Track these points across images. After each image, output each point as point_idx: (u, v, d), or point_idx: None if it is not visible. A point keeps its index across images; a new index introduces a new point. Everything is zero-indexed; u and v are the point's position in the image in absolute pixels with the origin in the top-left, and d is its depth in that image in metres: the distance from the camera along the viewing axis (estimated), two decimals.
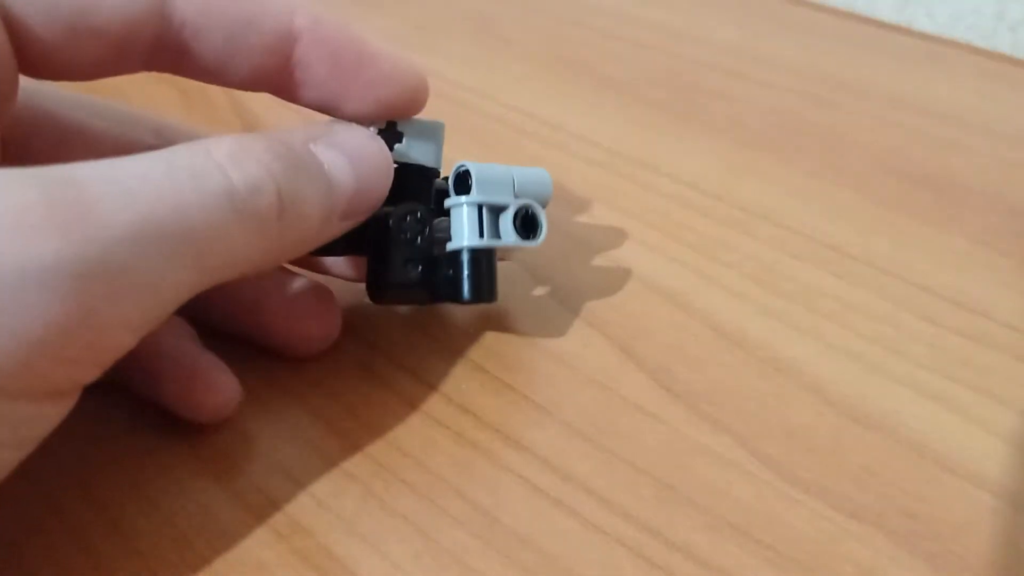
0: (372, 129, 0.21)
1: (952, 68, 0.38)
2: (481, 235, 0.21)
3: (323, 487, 0.20)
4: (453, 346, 0.23)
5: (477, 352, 0.23)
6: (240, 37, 0.20)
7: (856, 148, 0.32)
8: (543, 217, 0.22)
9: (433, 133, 0.22)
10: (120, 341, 0.16)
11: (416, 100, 0.21)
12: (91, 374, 0.16)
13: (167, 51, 0.20)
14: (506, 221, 0.22)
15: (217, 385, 0.20)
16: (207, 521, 0.19)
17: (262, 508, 0.19)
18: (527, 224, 0.22)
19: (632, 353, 0.23)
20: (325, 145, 0.19)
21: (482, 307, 0.24)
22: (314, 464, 0.20)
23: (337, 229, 0.20)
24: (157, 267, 0.16)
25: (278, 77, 0.21)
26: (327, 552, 0.18)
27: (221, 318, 0.22)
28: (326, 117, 0.21)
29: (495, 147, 0.32)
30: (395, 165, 0.21)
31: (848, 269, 0.26)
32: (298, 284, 0.22)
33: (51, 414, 0.16)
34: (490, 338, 0.23)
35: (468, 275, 0.21)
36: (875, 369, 0.22)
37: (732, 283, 0.25)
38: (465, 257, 0.21)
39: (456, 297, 0.22)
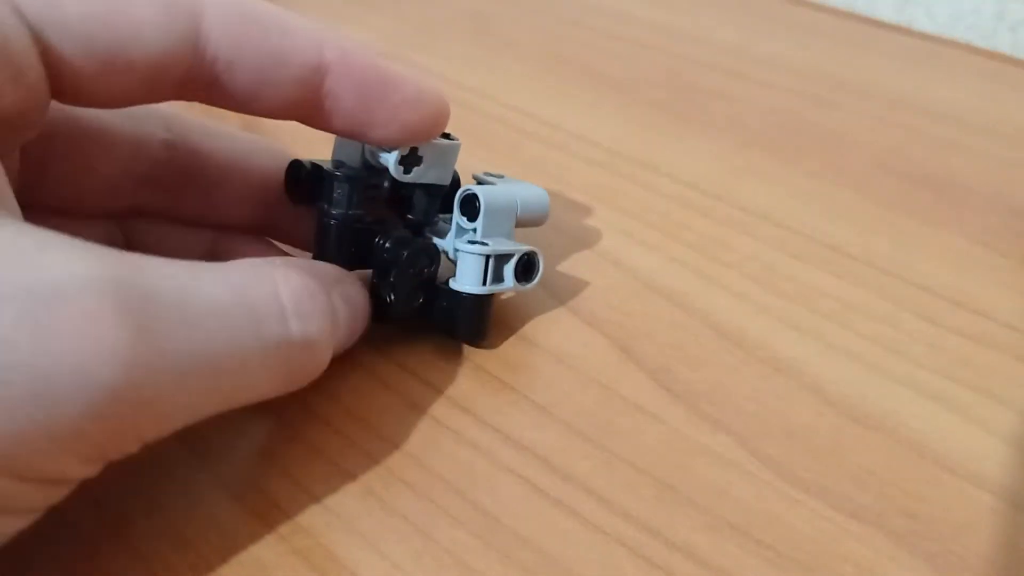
0: (395, 154, 0.22)
1: (952, 68, 0.38)
2: (484, 283, 0.22)
3: (323, 487, 0.20)
4: (453, 346, 0.23)
5: (477, 352, 0.23)
6: (271, 71, 0.20)
7: (856, 148, 0.32)
8: (541, 263, 0.23)
9: (450, 155, 0.23)
10: (130, 450, 0.16)
11: (438, 124, 0.22)
12: (96, 470, 0.16)
13: (197, 83, 0.20)
14: (509, 268, 0.22)
15: None
16: (207, 521, 0.19)
17: (262, 508, 0.19)
18: (527, 269, 0.23)
19: (632, 353, 0.23)
20: (339, 295, 0.20)
21: None
22: (314, 464, 0.20)
23: (314, 373, 0.20)
24: (193, 399, 0.16)
25: (308, 108, 0.21)
26: (327, 552, 0.18)
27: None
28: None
29: (495, 147, 0.32)
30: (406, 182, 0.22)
31: (848, 269, 0.26)
32: None
33: (59, 493, 0.16)
34: (490, 338, 0.23)
35: (466, 318, 0.22)
36: (875, 369, 0.22)
37: (732, 283, 0.25)
38: (467, 303, 0.22)
39: (450, 332, 0.23)
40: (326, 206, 0.22)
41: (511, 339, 0.23)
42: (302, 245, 0.25)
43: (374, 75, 0.21)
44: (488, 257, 0.22)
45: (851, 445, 0.21)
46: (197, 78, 0.20)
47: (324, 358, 0.19)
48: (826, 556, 0.18)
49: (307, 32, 0.20)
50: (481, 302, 0.22)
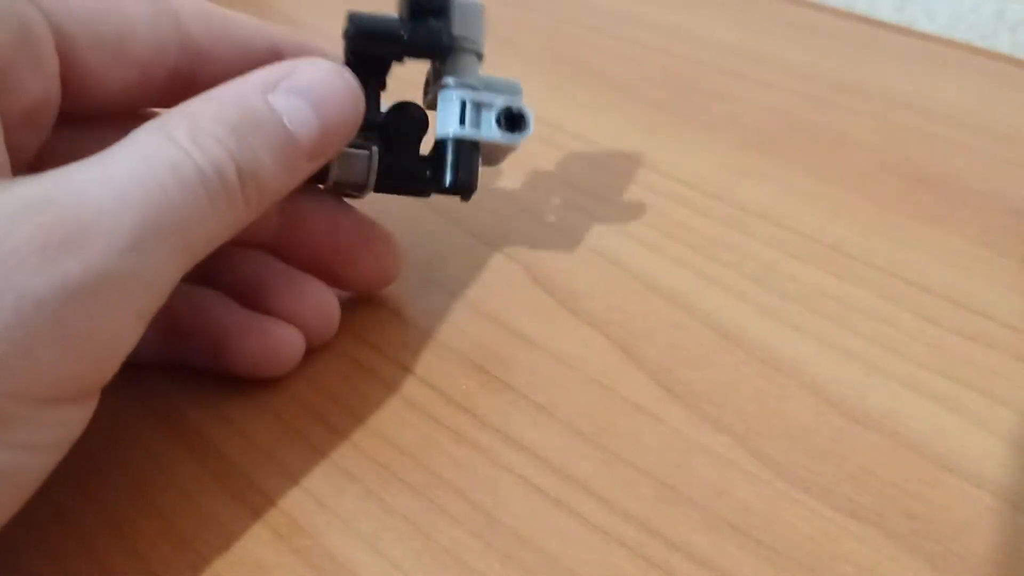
0: None
1: (952, 68, 0.38)
2: (463, 124, 0.22)
3: (323, 487, 0.20)
4: (453, 346, 0.23)
5: (477, 352, 0.23)
6: (239, 60, 0.21)
7: (856, 148, 0.32)
8: (530, 117, 0.23)
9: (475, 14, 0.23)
10: (134, 333, 0.17)
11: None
12: (113, 369, 0.17)
13: (179, 79, 0.21)
14: (489, 116, 0.23)
15: (286, 338, 0.22)
16: (207, 521, 0.19)
17: (262, 508, 0.19)
18: (512, 122, 0.23)
19: (632, 353, 0.23)
20: (285, 92, 0.19)
21: (483, 307, 0.24)
22: (314, 464, 0.20)
23: (306, 173, 0.20)
24: (158, 262, 0.17)
25: None
26: (327, 552, 0.18)
27: (186, 355, 0.23)
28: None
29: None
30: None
31: (848, 269, 0.26)
32: (257, 322, 0.22)
33: (81, 415, 0.17)
34: (490, 338, 0.23)
35: (451, 165, 0.22)
36: (875, 369, 0.22)
37: (732, 283, 0.25)
38: (445, 147, 0.22)
39: (440, 186, 0.22)
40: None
41: (511, 339, 0.23)
42: None
43: (319, 51, 0.22)
44: (464, 101, 0.22)
45: (851, 445, 0.21)
46: (180, 73, 0.21)
47: (261, 170, 0.18)
48: (826, 556, 0.18)
49: (254, 22, 0.22)
50: (460, 146, 0.22)
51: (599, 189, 0.29)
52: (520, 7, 0.42)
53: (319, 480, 0.20)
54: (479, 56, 0.23)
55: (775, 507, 0.19)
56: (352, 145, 0.22)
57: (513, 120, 0.23)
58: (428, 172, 0.23)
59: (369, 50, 0.22)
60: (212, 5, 0.21)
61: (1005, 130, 0.33)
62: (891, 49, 0.40)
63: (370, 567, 0.18)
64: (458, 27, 0.23)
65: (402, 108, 0.23)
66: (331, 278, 0.23)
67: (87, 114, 0.20)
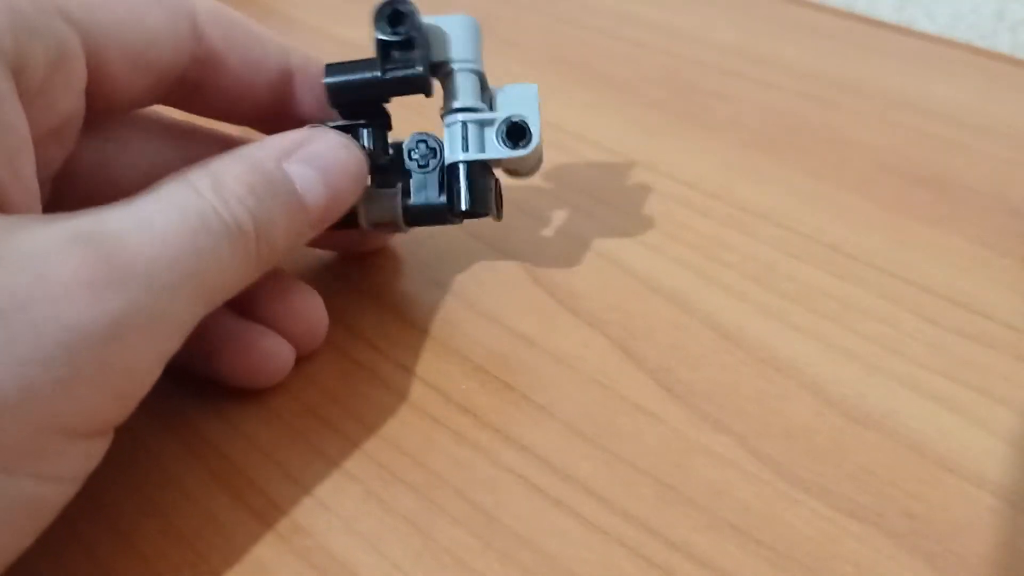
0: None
1: (952, 68, 0.38)
2: (466, 149, 0.22)
3: (323, 487, 0.20)
4: (453, 346, 0.23)
5: (477, 352, 0.23)
6: (251, 74, 0.21)
7: (856, 148, 0.32)
8: (534, 129, 0.23)
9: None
10: (154, 373, 0.17)
11: None
12: (132, 408, 0.17)
13: (185, 85, 0.21)
14: (491, 135, 0.23)
15: (272, 350, 0.22)
16: (207, 521, 0.19)
17: (262, 508, 0.19)
18: (514, 134, 0.23)
19: (632, 353, 0.23)
20: (298, 161, 0.20)
21: (483, 307, 0.24)
22: (314, 464, 0.20)
23: (310, 235, 0.21)
24: (186, 308, 0.17)
25: (275, 111, 0.22)
26: (327, 552, 0.18)
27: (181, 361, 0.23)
28: None
29: None
30: None
31: (848, 269, 0.26)
32: (245, 334, 0.22)
33: (102, 449, 0.17)
34: (490, 338, 0.23)
35: (462, 188, 0.22)
36: (875, 369, 0.22)
37: (732, 283, 0.25)
38: (458, 172, 0.22)
39: (457, 211, 0.23)
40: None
41: (511, 339, 0.23)
42: None
43: None
44: (464, 124, 0.22)
45: (851, 445, 0.21)
46: (189, 78, 0.21)
47: (274, 230, 0.19)
48: (826, 556, 0.18)
49: (274, 39, 0.22)
50: (468, 170, 0.22)
51: (599, 189, 0.29)
52: (520, 7, 0.42)
53: (319, 480, 0.20)
54: (478, 73, 0.23)
55: (775, 507, 0.19)
56: (379, 184, 0.23)
57: (517, 132, 0.23)
58: (445, 201, 0.23)
59: (349, 99, 0.22)
60: (234, 13, 0.21)
61: (1005, 130, 0.33)
62: (891, 49, 0.40)
63: (370, 567, 0.18)
64: (451, 50, 0.22)
65: (421, 140, 0.23)
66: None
67: (102, 117, 0.21)
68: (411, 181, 0.23)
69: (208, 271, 0.18)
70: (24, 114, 0.17)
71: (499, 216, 0.24)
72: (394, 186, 0.23)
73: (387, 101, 0.23)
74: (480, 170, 0.23)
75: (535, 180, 0.28)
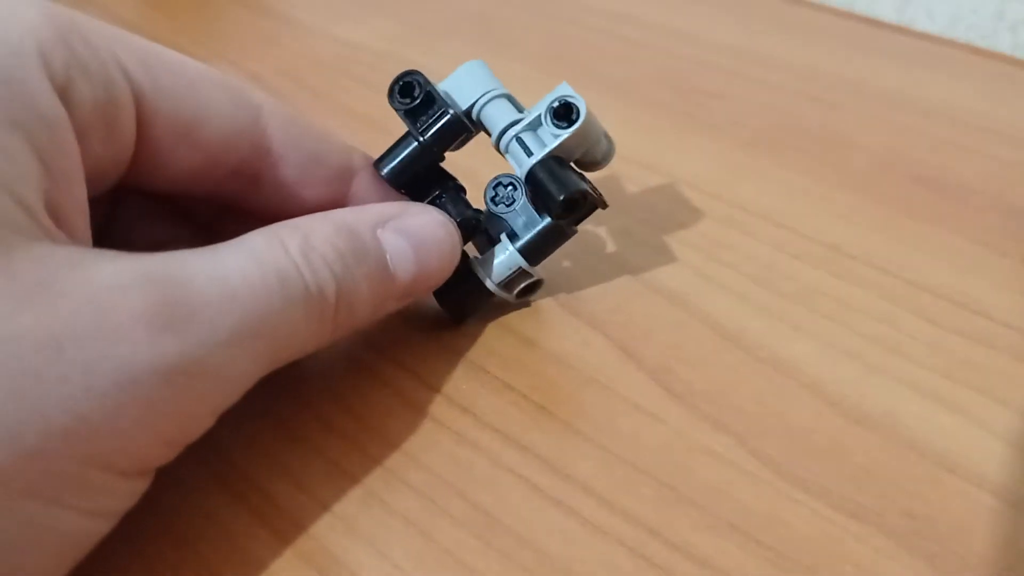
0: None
1: (952, 68, 0.38)
2: (530, 155, 0.22)
3: (323, 487, 0.20)
4: (453, 346, 0.23)
5: (477, 352, 0.23)
6: (311, 169, 0.21)
7: (856, 148, 0.32)
8: (578, 101, 0.22)
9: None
10: (205, 425, 0.17)
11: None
12: (177, 452, 0.17)
13: (245, 175, 0.21)
14: (544, 131, 0.23)
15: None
16: (207, 521, 0.19)
17: (263, 508, 0.19)
18: (564, 115, 0.22)
19: (632, 353, 0.23)
20: (393, 231, 0.20)
21: (484, 308, 0.24)
22: (314, 464, 0.20)
23: (392, 308, 0.21)
24: (246, 365, 0.17)
25: (333, 208, 0.22)
26: (327, 552, 0.18)
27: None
28: None
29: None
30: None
31: (848, 269, 0.26)
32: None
33: (143, 488, 0.17)
34: (490, 338, 0.23)
35: (547, 183, 0.22)
36: (875, 369, 0.22)
37: (732, 283, 0.25)
38: (537, 174, 0.22)
39: (556, 209, 0.22)
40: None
41: (511, 339, 0.23)
42: None
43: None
44: (517, 136, 0.23)
45: (851, 445, 0.21)
46: (246, 169, 0.21)
47: (357, 299, 0.19)
48: (826, 556, 0.18)
49: (338, 139, 0.22)
50: (546, 166, 0.22)
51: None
52: (520, 7, 0.42)
53: (320, 480, 0.20)
54: (506, 96, 0.23)
55: (775, 507, 0.19)
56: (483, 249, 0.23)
57: (564, 113, 0.22)
58: (548, 215, 0.22)
59: (410, 177, 0.22)
60: (296, 114, 0.22)
61: (1005, 130, 0.33)
62: (891, 49, 0.40)
63: (371, 567, 0.18)
64: (471, 92, 0.23)
65: (498, 184, 0.23)
66: None
67: (142, 191, 0.21)
68: (507, 222, 0.23)
69: (278, 332, 0.17)
70: (77, 142, 0.17)
71: (605, 204, 0.23)
72: (496, 241, 0.23)
73: (442, 160, 0.23)
74: (554, 162, 0.22)
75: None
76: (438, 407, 0.22)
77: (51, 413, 0.14)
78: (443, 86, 0.23)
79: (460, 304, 0.23)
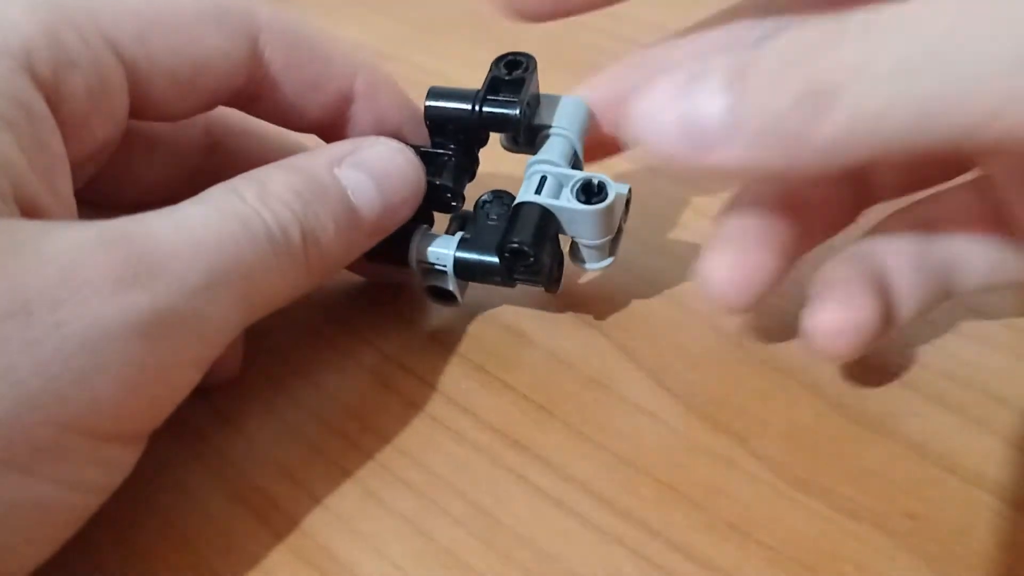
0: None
1: None
2: (538, 194, 0.22)
3: (323, 487, 0.20)
4: (453, 346, 0.23)
5: (477, 352, 0.23)
6: (308, 95, 0.21)
7: None
8: (610, 190, 0.21)
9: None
10: (189, 380, 0.17)
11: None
12: (164, 415, 0.17)
13: (243, 97, 0.21)
14: (567, 189, 0.22)
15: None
16: (207, 521, 0.19)
17: (262, 508, 0.19)
18: (589, 192, 0.22)
19: (632, 353, 0.23)
20: (350, 166, 0.20)
21: (483, 307, 0.24)
22: (314, 464, 0.20)
23: (366, 246, 0.20)
24: (222, 310, 0.17)
25: (329, 128, 0.22)
26: (327, 552, 0.18)
27: None
28: None
29: (495, 147, 0.32)
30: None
31: None
32: None
33: (128, 458, 0.17)
34: (490, 338, 0.23)
35: (519, 228, 0.21)
36: (875, 369, 0.22)
37: None
38: (517, 210, 0.22)
39: (508, 247, 0.21)
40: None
41: (511, 339, 0.23)
42: None
43: (396, 112, 0.23)
44: (546, 175, 0.22)
45: (851, 445, 0.21)
46: (245, 93, 0.21)
47: (324, 236, 0.19)
48: (826, 556, 0.18)
49: (345, 59, 0.22)
50: (536, 212, 0.21)
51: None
52: None
53: (320, 480, 0.20)
54: (573, 146, 0.23)
55: (775, 507, 0.19)
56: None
57: (589, 190, 0.22)
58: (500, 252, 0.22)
59: (443, 119, 0.22)
60: (303, 29, 0.21)
61: None
62: None
63: (370, 567, 0.18)
64: (555, 119, 0.23)
65: (497, 195, 0.23)
66: None
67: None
68: (474, 227, 0.22)
69: (250, 276, 0.17)
70: (60, 133, 0.17)
71: (552, 287, 0.23)
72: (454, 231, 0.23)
73: (481, 140, 0.23)
74: (546, 216, 0.21)
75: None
76: (438, 407, 0.22)
77: (23, 378, 0.14)
78: (544, 97, 0.23)
79: (380, 249, 0.21)
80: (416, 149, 0.22)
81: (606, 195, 0.21)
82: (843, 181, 0.21)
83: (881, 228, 0.21)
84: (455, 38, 0.40)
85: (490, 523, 0.19)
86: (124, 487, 0.19)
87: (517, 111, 0.22)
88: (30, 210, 0.16)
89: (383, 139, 0.21)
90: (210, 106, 0.21)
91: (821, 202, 0.21)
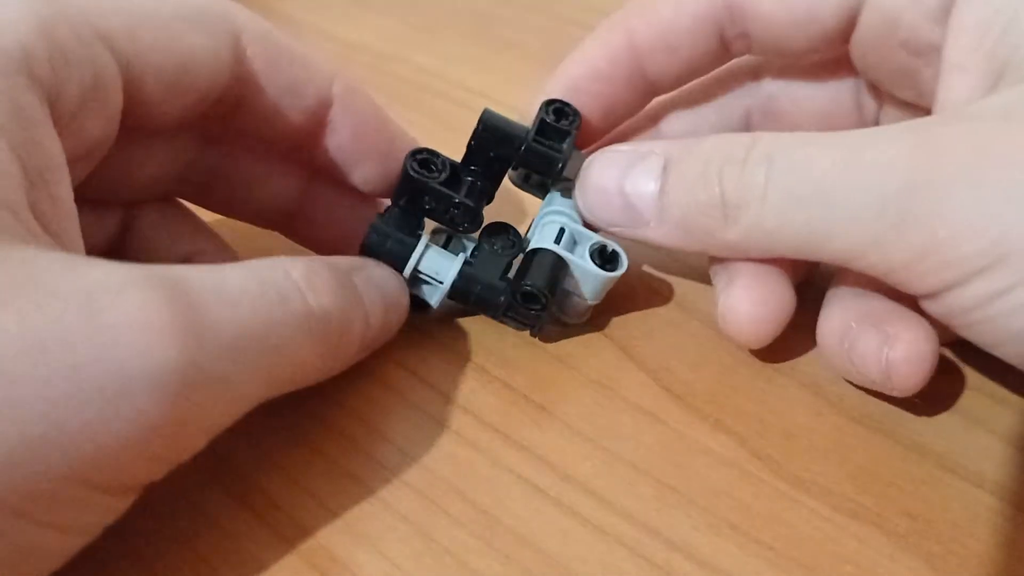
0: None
1: None
2: (556, 243, 0.22)
3: (323, 487, 0.20)
4: (453, 346, 0.23)
5: (477, 352, 0.23)
6: (288, 98, 0.21)
7: None
8: (623, 258, 0.23)
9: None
10: (198, 445, 0.16)
11: None
12: (164, 472, 0.16)
13: (227, 99, 0.21)
14: (583, 248, 0.23)
15: None
16: (207, 521, 0.19)
17: (262, 508, 0.19)
18: (606, 257, 0.23)
19: (632, 353, 0.23)
20: (363, 279, 0.20)
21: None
22: (314, 464, 0.20)
23: (357, 357, 0.21)
24: (246, 378, 0.17)
25: (307, 137, 0.22)
26: (327, 552, 0.18)
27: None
28: None
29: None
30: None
31: None
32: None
33: (124, 506, 0.16)
34: (490, 338, 0.23)
35: (540, 269, 0.22)
36: None
37: None
38: (532, 255, 0.22)
39: (521, 289, 0.22)
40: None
41: (511, 339, 0.23)
42: (314, 245, 0.25)
43: (373, 117, 0.23)
44: (564, 227, 0.23)
45: (851, 445, 0.21)
46: (230, 95, 0.21)
47: (351, 330, 0.19)
48: (826, 556, 0.18)
49: (321, 65, 0.22)
50: (551, 260, 0.22)
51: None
52: (520, 7, 0.42)
53: (320, 480, 0.20)
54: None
55: (775, 507, 0.19)
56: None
57: (605, 256, 0.22)
58: (506, 285, 0.22)
59: (489, 145, 0.23)
60: (281, 36, 0.21)
61: None
62: None
63: (371, 567, 0.18)
64: (574, 171, 0.23)
65: (499, 227, 0.23)
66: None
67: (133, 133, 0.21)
68: (480, 253, 0.23)
69: (281, 348, 0.17)
70: (59, 139, 0.17)
71: (536, 332, 0.23)
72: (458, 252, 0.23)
73: (516, 168, 0.23)
74: (561, 267, 0.22)
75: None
76: (438, 407, 0.22)
77: (27, 420, 0.13)
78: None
79: (381, 247, 0.22)
80: (445, 159, 0.23)
81: (618, 263, 0.22)
82: None
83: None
84: (455, 38, 0.40)
85: (490, 523, 0.19)
86: None
87: (561, 158, 0.23)
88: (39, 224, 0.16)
89: (380, 265, 0.22)
90: (198, 109, 0.21)
91: None
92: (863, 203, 0.18)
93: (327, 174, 0.23)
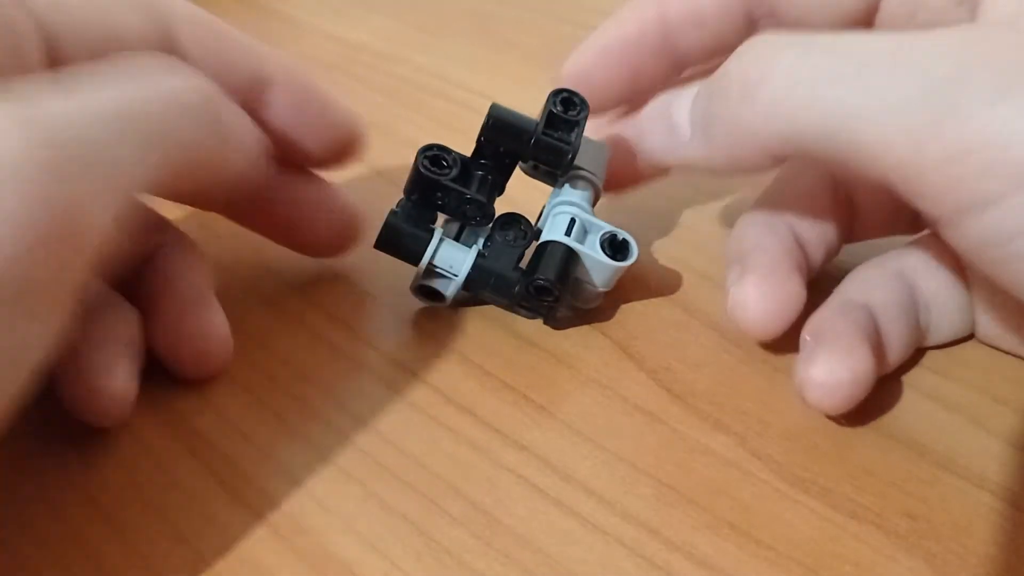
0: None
1: None
2: (568, 234, 0.22)
3: (323, 487, 0.20)
4: (453, 346, 0.23)
5: (477, 352, 0.23)
6: (224, 76, 0.21)
7: None
8: (634, 247, 0.23)
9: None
10: (102, 227, 0.15)
11: (357, 147, 0.24)
12: (82, 272, 0.15)
13: None
14: (594, 238, 0.23)
15: (209, 326, 0.22)
16: (207, 521, 0.19)
17: (262, 508, 0.19)
18: (616, 247, 0.23)
19: (632, 353, 0.23)
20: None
21: (482, 307, 0.24)
22: (314, 464, 0.20)
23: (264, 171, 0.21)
24: (123, 153, 0.16)
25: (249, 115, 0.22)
26: (327, 552, 0.18)
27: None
28: None
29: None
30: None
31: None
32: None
33: (49, 328, 0.15)
34: (490, 338, 0.23)
35: (552, 263, 0.22)
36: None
37: None
38: (543, 248, 0.22)
39: (534, 282, 0.22)
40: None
41: (511, 339, 0.23)
42: (264, 228, 0.25)
43: (313, 93, 0.23)
44: (575, 218, 0.23)
45: (851, 445, 0.21)
46: None
47: (230, 108, 0.20)
48: (826, 556, 0.18)
49: (253, 45, 0.22)
50: (566, 252, 0.22)
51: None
52: (520, 7, 0.42)
53: (319, 480, 0.20)
54: (596, 188, 0.24)
55: (775, 507, 0.19)
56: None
57: (615, 246, 0.23)
58: (519, 276, 0.23)
59: (499, 140, 0.23)
60: (210, 18, 0.22)
61: None
62: None
63: (370, 567, 0.18)
64: (583, 160, 0.23)
65: (511, 218, 0.23)
66: (286, 242, 0.25)
67: None
68: (493, 245, 0.23)
69: (156, 120, 0.17)
70: None
71: (550, 321, 0.24)
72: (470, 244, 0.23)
73: (526, 161, 0.23)
74: (572, 258, 0.22)
75: (540, 182, 0.28)
76: (438, 407, 0.22)
77: None
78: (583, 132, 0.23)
79: (392, 240, 0.23)
80: (455, 156, 0.23)
81: (628, 253, 0.23)
82: (836, 209, 0.24)
83: (863, 277, 0.23)
84: (455, 38, 0.40)
85: (490, 523, 0.19)
86: (122, 486, 0.19)
87: (570, 150, 0.23)
88: None
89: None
90: None
91: (818, 234, 0.23)
92: (904, 86, 0.16)
93: (271, 154, 0.23)
